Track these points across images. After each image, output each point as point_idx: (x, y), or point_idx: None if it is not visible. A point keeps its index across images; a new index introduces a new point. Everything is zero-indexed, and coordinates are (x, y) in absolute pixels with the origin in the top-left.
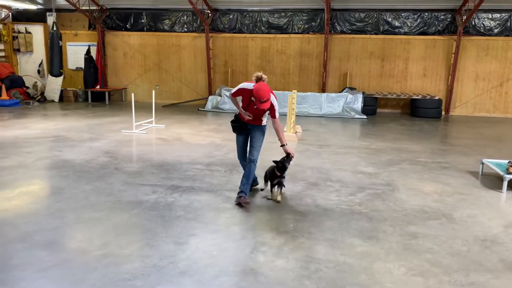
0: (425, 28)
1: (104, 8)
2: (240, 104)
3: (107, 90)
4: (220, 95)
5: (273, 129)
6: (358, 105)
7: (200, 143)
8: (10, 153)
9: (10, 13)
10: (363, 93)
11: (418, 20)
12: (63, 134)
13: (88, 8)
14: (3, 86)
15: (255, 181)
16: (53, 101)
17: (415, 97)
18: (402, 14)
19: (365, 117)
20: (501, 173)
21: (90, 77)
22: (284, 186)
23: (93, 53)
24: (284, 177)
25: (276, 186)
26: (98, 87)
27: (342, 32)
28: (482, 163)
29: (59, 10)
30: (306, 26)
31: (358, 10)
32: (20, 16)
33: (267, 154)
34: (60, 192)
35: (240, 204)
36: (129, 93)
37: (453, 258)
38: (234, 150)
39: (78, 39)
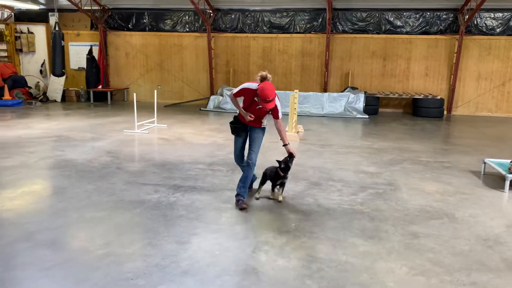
0: (427, 27)
1: (106, 8)
2: (241, 105)
3: (109, 90)
4: (222, 95)
5: (275, 128)
6: (360, 104)
7: (202, 143)
8: (13, 153)
9: (13, 13)
10: (365, 92)
11: (420, 20)
12: (66, 134)
13: (90, 8)
14: (6, 86)
15: (252, 178)
16: (55, 101)
17: (417, 96)
18: (404, 14)
19: (367, 116)
20: (503, 172)
21: (92, 77)
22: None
23: (95, 53)
24: (287, 177)
25: (278, 186)
26: (100, 87)
27: (344, 31)
28: (484, 163)
29: (61, 10)
30: (308, 26)
31: (360, 9)
32: (23, 16)
33: (268, 154)
34: (63, 192)
35: (240, 208)
36: (131, 93)
37: (455, 257)
38: None
39: (80, 39)
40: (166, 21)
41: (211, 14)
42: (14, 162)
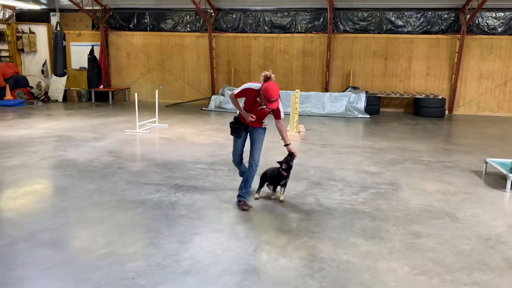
0: (428, 27)
1: (107, 8)
2: (242, 105)
3: (110, 90)
4: (223, 95)
5: (275, 128)
6: (361, 104)
7: (203, 143)
8: (15, 152)
9: (14, 13)
10: (366, 92)
11: (422, 19)
12: (67, 134)
13: (91, 8)
14: (7, 86)
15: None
16: (56, 101)
17: (418, 96)
18: (405, 13)
19: (368, 116)
20: (505, 172)
21: (94, 77)
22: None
23: (97, 53)
24: (289, 177)
25: (279, 186)
26: (101, 87)
27: (345, 31)
28: (486, 162)
29: (62, 10)
30: (309, 26)
31: (361, 9)
32: (24, 16)
33: (269, 154)
34: (64, 191)
35: (242, 209)
36: (132, 92)
37: (457, 257)
38: None
39: (81, 39)
40: (167, 21)
41: (212, 14)
42: (16, 162)
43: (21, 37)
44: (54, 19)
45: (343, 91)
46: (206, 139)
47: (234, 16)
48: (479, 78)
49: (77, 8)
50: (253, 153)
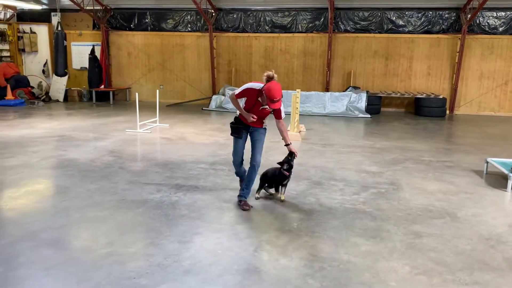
0: (429, 26)
1: (108, 8)
2: (242, 106)
3: (111, 89)
4: (224, 95)
5: (275, 128)
6: (362, 104)
7: (204, 142)
8: (16, 152)
9: (15, 13)
10: (367, 92)
11: (422, 19)
12: (68, 134)
13: (92, 8)
14: (8, 86)
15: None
16: (57, 100)
17: (419, 96)
18: (406, 13)
19: (369, 116)
20: (506, 172)
21: (95, 76)
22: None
23: (98, 52)
24: (290, 176)
25: (280, 186)
26: (102, 86)
27: (346, 31)
28: (487, 162)
29: (63, 10)
30: (309, 25)
31: (362, 8)
32: (25, 16)
33: (269, 154)
34: (65, 191)
35: (243, 209)
36: (133, 92)
37: (458, 257)
38: None
39: (82, 39)
40: (168, 20)
41: (213, 14)
42: (17, 162)
43: (22, 37)
44: (55, 19)
45: (344, 91)
46: (207, 139)
47: (234, 16)
48: (480, 77)
49: (78, 8)
50: (255, 154)
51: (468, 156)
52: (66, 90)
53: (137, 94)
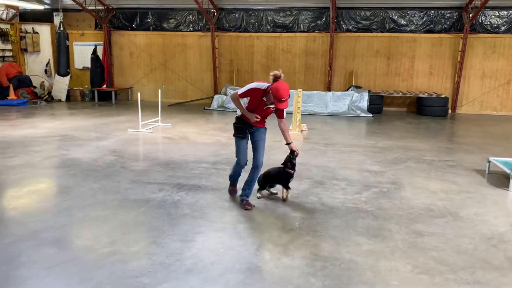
0: (431, 26)
1: (110, 7)
2: (244, 105)
3: (113, 89)
4: (225, 94)
5: (276, 127)
6: (364, 103)
7: (206, 142)
8: (18, 152)
9: (17, 13)
10: (369, 91)
11: (424, 18)
12: (70, 133)
13: (94, 8)
14: (11, 86)
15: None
16: (60, 100)
17: (421, 95)
18: (408, 12)
19: (371, 115)
20: (508, 171)
21: (97, 76)
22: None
23: (100, 52)
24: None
25: (286, 185)
26: (104, 86)
27: (348, 30)
28: (489, 161)
29: (65, 10)
30: (311, 25)
31: (363, 8)
32: (27, 16)
33: (272, 153)
34: (68, 191)
35: (245, 209)
36: (135, 92)
37: (459, 256)
38: None
39: (84, 39)
40: (170, 20)
41: (215, 14)
42: (19, 161)
43: (24, 37)
44: (57, 19)
45: (345, 90)
46: (209, 139)
47: (236, 16)
48: (482, 77)
49: (80, 8)
50: (258, 155)
51: (470, 156)
52: (68, 90)
53: (139, 93)
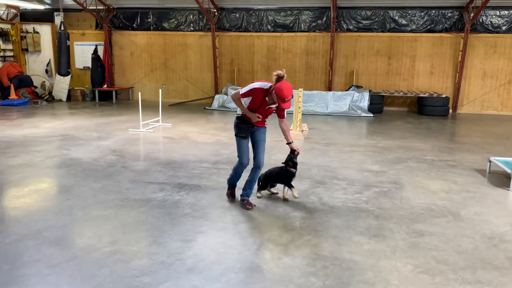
0: (432, 25)
1: (111, 7)
2: (245, 105)
3: (114, 89)
4: (226, 94)
5: (277, 127)
6: (365, 103)
7: (206, 142)
8: (19, 151)
9: (18, 13)
10: (370, 91)
11: (425, 18)
12: (71, 133)
13: (95, 7)
14: (12, 86)
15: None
16: (61, 100)
17: (422, 95)
18: (409, 12)
19: (372, 115)
20: (509, 171)
21: (98, 76)
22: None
23: (100, 52)
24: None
25: (283, 184)
26: (105, 86)
27: (349, 30)
28: (490, 161)
29: (66, 10)
30: (312, 25)
31: (364, 8)
32: (28, 16)
33: (273, 152)
34: (69, 190)
35: (246, 208)
36: (136, 92)
37: (460, 255)
38: None
39: (85, 39)
40: (171, 20)
41: (216, 13)
42: (20, 161)
43: (25, 36)
44: (58, 18)
45: (346, 90)
46: (210, 138)
47: (237, 15)
48: (483, 76)
49: (81, 7)
50: (259, 155)
51: (471, 155)
52: (69, 90)
53: (139, 93)
